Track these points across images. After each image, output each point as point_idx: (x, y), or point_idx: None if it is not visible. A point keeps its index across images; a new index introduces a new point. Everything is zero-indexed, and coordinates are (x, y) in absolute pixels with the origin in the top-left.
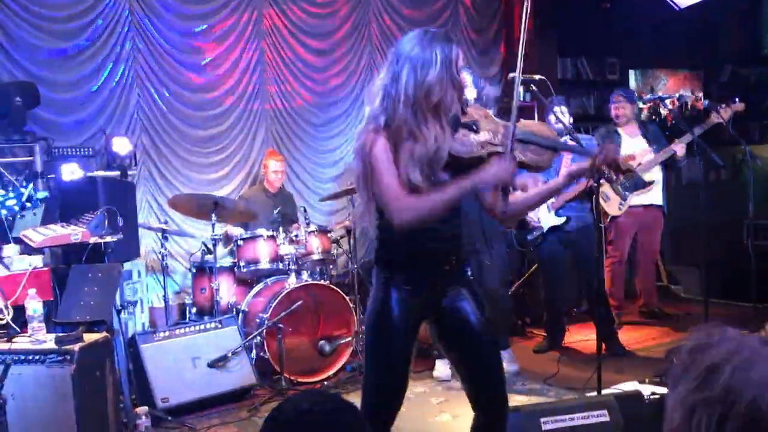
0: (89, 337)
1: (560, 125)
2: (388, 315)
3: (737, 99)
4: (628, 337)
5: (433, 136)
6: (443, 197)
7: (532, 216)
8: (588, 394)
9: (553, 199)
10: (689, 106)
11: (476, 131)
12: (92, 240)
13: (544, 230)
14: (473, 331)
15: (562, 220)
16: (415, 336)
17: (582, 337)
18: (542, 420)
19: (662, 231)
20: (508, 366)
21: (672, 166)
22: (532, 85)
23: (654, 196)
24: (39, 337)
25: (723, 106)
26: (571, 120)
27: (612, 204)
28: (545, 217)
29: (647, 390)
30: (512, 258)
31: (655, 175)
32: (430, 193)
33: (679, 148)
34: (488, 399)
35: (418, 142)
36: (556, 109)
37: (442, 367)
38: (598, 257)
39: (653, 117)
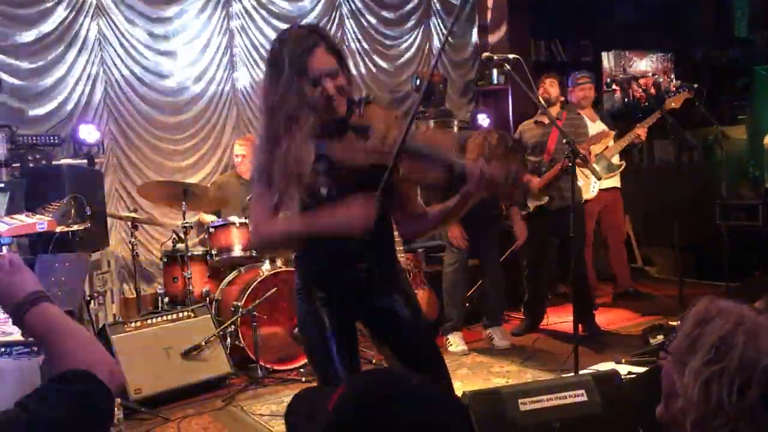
0: None
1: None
2: (311, 317)
3: (686, 87)
4: (604, 318)
5: (287, 147)
6: (292, 230)
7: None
8: (565, 375)
9: (537, 178)
10: (662, 88)
11: (366, 137)
12: (59, 229)
13: (531, 210)
14: (401, 326)
15: (546, 199)
16: (346, 332)
17: (559, 319)
18: (520, 401)
19: (624, 211)
20: (499, 342)
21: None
22: (506, 64)
23: (615, 178)
24: (5, 329)
25: (673, 94)
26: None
27: (584, 187)
28: (531, 197)
29: (623, 370)
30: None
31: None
32: (286, 220)
33: (642, 131)
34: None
35: (279, 153)
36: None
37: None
38: (578, 238)
39: (624, 99)
